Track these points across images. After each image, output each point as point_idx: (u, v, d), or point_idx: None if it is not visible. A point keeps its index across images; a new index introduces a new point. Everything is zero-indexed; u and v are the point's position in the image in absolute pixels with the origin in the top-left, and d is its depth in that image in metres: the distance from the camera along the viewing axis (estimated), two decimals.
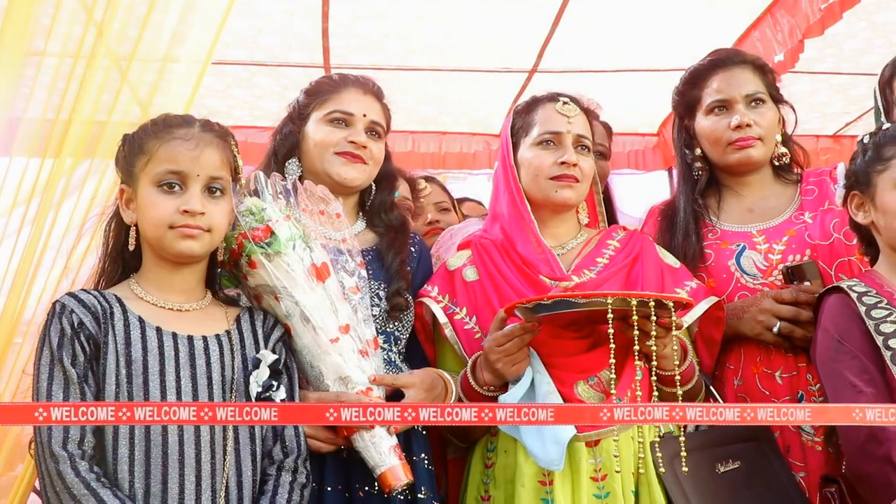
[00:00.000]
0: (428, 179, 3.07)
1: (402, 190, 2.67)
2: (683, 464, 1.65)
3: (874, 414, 1.34)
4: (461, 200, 3.48)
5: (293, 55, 4.24)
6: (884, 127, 1.97)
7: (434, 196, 3.01)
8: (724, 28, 4.04)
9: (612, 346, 1.66)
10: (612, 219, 2.47)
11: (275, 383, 1.72)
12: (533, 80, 4.44)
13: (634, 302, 1.64)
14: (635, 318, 1.64)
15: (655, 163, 5.02)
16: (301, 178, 2.04)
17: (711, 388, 2.01)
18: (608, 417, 1.32)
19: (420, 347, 2.05)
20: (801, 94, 4.47)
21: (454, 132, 4.94)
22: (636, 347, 1.66)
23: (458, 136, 4.92)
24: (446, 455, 2.11)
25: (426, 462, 1.89)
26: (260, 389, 1.71)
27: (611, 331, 1.63)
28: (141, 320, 1.67)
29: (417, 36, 4.06)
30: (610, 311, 1.63)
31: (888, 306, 1.83)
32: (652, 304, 1.64)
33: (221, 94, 4.46)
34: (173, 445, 1.59)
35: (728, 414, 1.31)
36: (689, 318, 1.96)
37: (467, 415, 1.27)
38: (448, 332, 1.98)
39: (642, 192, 4.82)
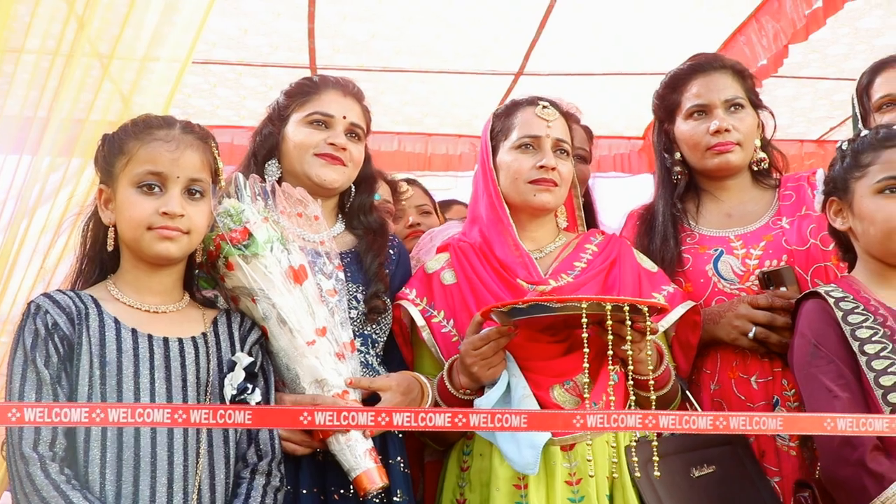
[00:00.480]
0: (409, 182, 3.06)
1: (383, 192, 2.67)
2: (656, 468, 1.66)
3: (846, 423, 1.35)
4: (449, 203, 3.47)
5: (279, 56, 4.25)
6: (862, 134, 1.98)
7: (415, 199, 3.01)
8: (709, 32, 4.07)
9: (586, 350, 1.67)
10: (592, 223, 2.48)
11: (249, 386, 1.72)
12: (519, 83, 4.46)
13: (609, 307, 1.64)
14: (609, 322, 1.65)
15: (641, 166, 5.05)
16: (280, 180, 2.03)
17: (688, 392, 2.02)
18: (581, 424, 1.32)
19: (398, 350, 2.04)
20: (786, 99, 4.51)
21: (440, 134, 4.96)
22: (610, 352, 1.66)
23: (444, 138, 4.94)
24: (423, 458, 2.11)
25: (402, 465, 1.89)
26: (234, 392, 1.70)
27: (585, 335, 1.64)
28: (116, 321, 1.66)
29: (404, 37, 4.08)
30: (584, 315, 1.63)
31: (864, 312, 1.84)
32: (626, 308, 1.65)
33: (207, 94, 4.46)
34: (145, 448, 1.59)
35: (701, 422, 1.31)
36: (666, 322, 1.97)
37: (441, 420, 1.27)
38: (425, 335, 1.97)
39: (628, 195, 4.83)
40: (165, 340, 1.68)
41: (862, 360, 1.79)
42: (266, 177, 2.02)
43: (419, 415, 1.29)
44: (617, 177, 4.94)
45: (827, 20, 3.48)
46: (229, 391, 1.70)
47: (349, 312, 1.93)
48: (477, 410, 1.32)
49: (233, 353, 1.75)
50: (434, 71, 4.36)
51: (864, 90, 2.35)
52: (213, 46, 4.15)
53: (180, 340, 1.70)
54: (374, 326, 1.98)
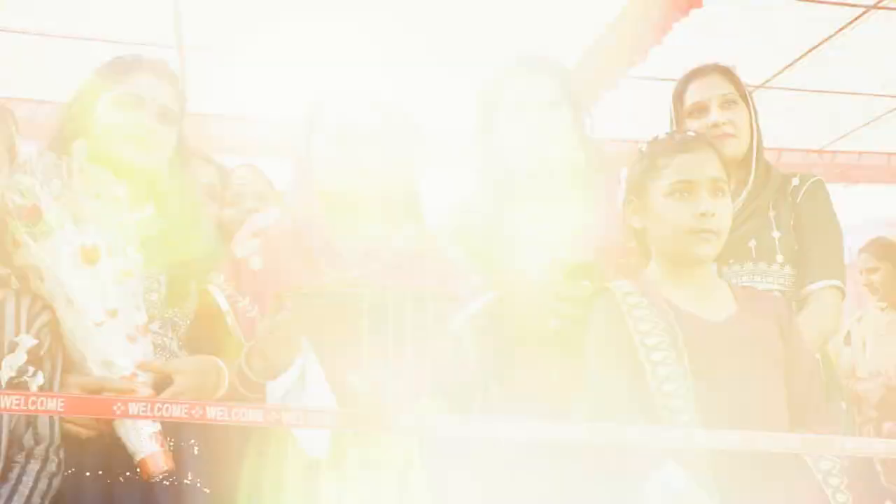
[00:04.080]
0: (249, 167, 3.04)
1: (211, 175, 2.64)
2: None
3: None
4: None
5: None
6: (659, 137, 2.07)
7: (254, 184, 2.98)
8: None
9: (377, 337, 1.70)
10: None
11: (31, 369, 1.68)
12: None
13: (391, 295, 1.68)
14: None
15: None
16: (88, 159, 1.99)
17: None
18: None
19: (205, 335, 2.03)
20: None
21: None
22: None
23: None
24: None
25: (195, 448, 1.88)
26: (13, 374, 1.66)
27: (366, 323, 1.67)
28: None
29: None
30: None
31: (649, 307, 1.92)
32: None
33: None
34: None
35: (251, 415, 1.41)
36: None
37: (255, 415, 1.37)
38: (230, 320, 1.96)
39: None
40: None
41: (642, 352, 1.88)
42: (74, 156, 1.97)
43: (233, 409, 1.37)
44: None
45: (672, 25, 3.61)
46: (7, 373, 1.66)
47: (150, 295, 1.91)
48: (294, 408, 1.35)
49: (18, 334, 1.71)
50: None
51: (678, 97, 2.44)
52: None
53: None
54: (175, 310, 1.96)
